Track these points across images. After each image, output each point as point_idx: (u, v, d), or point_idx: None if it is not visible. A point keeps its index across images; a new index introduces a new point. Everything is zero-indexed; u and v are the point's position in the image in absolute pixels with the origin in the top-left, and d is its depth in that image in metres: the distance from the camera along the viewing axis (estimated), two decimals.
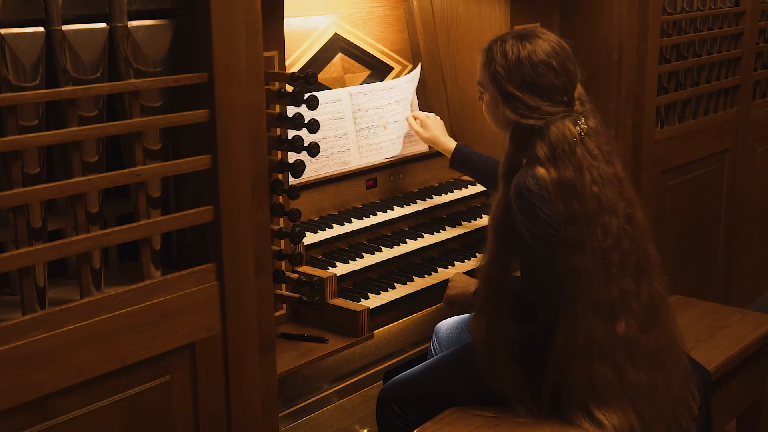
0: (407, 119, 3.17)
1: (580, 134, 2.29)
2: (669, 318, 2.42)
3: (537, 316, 2.38)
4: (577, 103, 2.34)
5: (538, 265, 2.30)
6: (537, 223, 2.25)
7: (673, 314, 2.45)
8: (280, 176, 2.44)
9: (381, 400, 2.55)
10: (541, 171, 2.26)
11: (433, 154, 3.34)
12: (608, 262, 2.27)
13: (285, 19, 2.54)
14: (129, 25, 1.97)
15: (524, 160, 2.32)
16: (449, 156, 3.06)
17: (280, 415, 2.40)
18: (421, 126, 3.14)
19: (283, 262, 2.49)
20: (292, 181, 2.59)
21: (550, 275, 2.27)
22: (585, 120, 2.32)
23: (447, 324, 2.75)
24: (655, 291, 2.37)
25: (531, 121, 2.29)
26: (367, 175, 3.10)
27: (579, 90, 2.37)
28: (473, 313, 2.44)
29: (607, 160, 2.33)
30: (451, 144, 3.07)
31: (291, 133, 2.44)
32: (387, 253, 2.86)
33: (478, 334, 2.38)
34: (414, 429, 2.42)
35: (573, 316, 2.26)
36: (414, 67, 3.36)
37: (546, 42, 2.33)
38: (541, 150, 2.27)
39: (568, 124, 2.29)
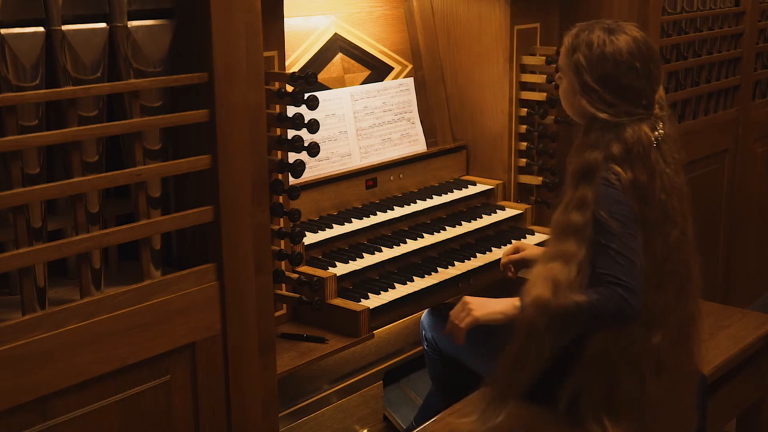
0: (505, 259, 2.73)
1: (657, 139, 2.24)
2: (695, 342, 2.37)
3: (626, 313, 2.17)
4: (656, 106, 2.27)
5: (629, 247, 2.16)
6: (620, 208, 2.17)
7: (699, 339, 2.39)
8: (280, 176, 2.44)
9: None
10: (618, 168, 2.20)
11: (433, 154, 3.34)
12: (662, 271, 2.23)
13: (285, 19, 2.54)
14: (129, 25, 1.97)
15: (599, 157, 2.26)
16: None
17: (280, 415, 2.41)
18: (522, 249, 2.74)
19: (283, 262, 2.49)
20: (292, 181, 2.59)
21: (638, 255, 2.17)
22: (662, 125, 2.27)
23: (427, 313, 2.78)
24: (689, 312, 2.33)
25: (605, 116, 2.23)
26: (367, 175, 3.10)
27: (660, 93, 2.30)
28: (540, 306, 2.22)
29: (676, 170, 2.29)
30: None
31: (291, 133, 2.44)
32: (387, 253, 2.86)
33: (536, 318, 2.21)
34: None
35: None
36: (413, 68, 3.36)
37: (633, 41, 2.26)
38: (616, 148, 2.21)
39: (645, 128, 2.24)
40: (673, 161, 2.28)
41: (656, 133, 2.25)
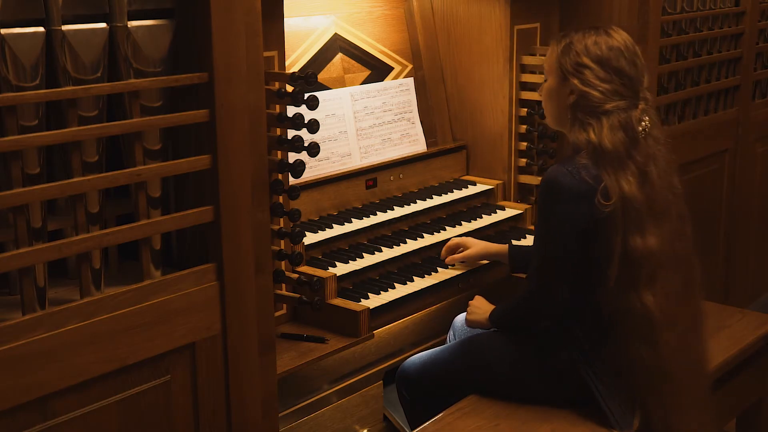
0: (449, 259, 2.91)
1: (644, 129, 2.32)
2: (704, 339, 2.45)
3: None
4: (642, 103, 2.35)
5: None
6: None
7: (706, 336, 2.47)
8: (280, 176, 2.44)
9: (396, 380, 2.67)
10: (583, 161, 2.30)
11: (433, 154, 3.34)
12: (670, 258, 2.29)
13: (285, 19, 2.54)
14: (129, 25, 1.97)
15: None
16: (505, 260, 2.87)
17: (280, 415, 2.40)
18: (465, 247, 2.91)
19: (283, 262, 2.49)
20: (292, 181, 2.59)
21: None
22: (648, 120, 2.34)
23: (463, 317, 2.78)
24: (697, 306, 2.42)
25: (596, 93, 2.30)
26: (367, 175, 3.10)
27: (646, 94, 2.39)
28: None
29: (668, 170, 2.36)
30: (502, 246, 2.90)
31: (291, 133, 2.44)
32: (387, 253, 2.86)
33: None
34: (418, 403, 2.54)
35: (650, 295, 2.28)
36: (413, 68, 3.36)
37: (622, 38, 2.38)
38: (605, 129, 2.28)
39: (635, 114, 2.31)
40: (663, 159, 2.35)
41: (643, 124, 2.32)
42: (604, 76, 2.31)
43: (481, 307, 2.65)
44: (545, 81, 2.47)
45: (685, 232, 2.38)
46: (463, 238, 2.95)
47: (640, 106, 2.33)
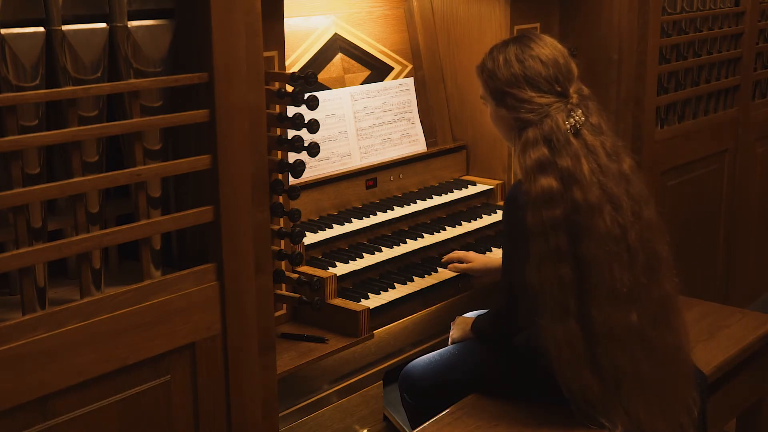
0: (451, 266, 2.90)
1: (574, 126, 2.28)
2: (678, 320, 2.40)
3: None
4: (575, 96, 2.32)
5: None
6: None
7: (682, 317, 2.43)
8: (280, 176, 2.44)
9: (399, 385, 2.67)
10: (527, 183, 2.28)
11: (433, 154, 3.34)
12: (618, 251, 2.24)
13: (285, 19, 2.54)
14: (129, 25, 1.97)
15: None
16: None
17: (280, 415, 2.40)
18: (466, 260, 2.91)
19: (283, 262, 2.49)
20: (292, 181, 2.59)
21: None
22: (583, 113, 2.31)
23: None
24: (665, 291, 2.35)
25: (523, 114, 2.30)
26: (367, 175, 3.10)
27: (579, 86, 2.36)
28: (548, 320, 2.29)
29: (611, 157, 2.31)
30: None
31: (291, 133, 2.44)
32: (387, 253, 2.86)
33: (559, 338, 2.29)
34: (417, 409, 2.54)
35: (587, 309, 2.24)
36: (413, 67, 3.36)
37: (535, 41, 2.36)
38: (534, 141, 2.27)
39: (559, 117, 2.28)
40: (603, 149, 2.31)
41: (571, 120, 2.28)
42: (525, 96, 2.30)
43: (462, 321, 2.67)
44: (486, 106, 2.47)
45: (643, 215, 2.32)
46: (466, 252, 2.93)
47: (571, 101, 2.30)
